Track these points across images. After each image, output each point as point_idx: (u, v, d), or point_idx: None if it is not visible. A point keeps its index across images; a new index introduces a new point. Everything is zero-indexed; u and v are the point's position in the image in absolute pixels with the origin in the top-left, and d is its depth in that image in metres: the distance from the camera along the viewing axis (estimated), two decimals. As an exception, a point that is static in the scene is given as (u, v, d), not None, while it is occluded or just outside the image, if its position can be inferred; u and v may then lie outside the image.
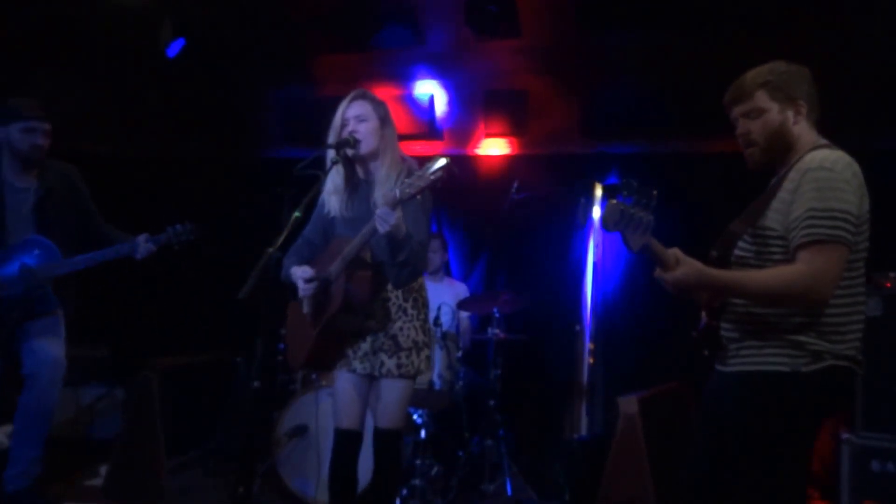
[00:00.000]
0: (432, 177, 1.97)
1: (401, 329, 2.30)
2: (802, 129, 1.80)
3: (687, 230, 3.03)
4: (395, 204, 2.04)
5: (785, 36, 3.56)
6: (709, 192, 4.06)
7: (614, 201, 1.59)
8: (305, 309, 2.33)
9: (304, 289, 2.27)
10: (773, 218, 1.74)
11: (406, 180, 2.03)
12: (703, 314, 1.94)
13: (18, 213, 2.71)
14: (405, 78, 4.55)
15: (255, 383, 2.54)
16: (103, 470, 3.48)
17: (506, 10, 3.82)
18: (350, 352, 2.33)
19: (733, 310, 1.81)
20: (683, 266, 1.65)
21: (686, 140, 4.36)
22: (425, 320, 2.39)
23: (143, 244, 2.79)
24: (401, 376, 2.28)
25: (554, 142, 4.65)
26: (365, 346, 2.31)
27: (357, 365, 2.31)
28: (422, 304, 2.39)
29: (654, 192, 1.61)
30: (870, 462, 2.87)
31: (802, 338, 1.69)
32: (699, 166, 4.30)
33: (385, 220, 2.05)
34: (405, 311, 2.32)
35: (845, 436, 2.93)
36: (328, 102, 2.45)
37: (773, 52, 1.91)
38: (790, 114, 1.78)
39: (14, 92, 2.97)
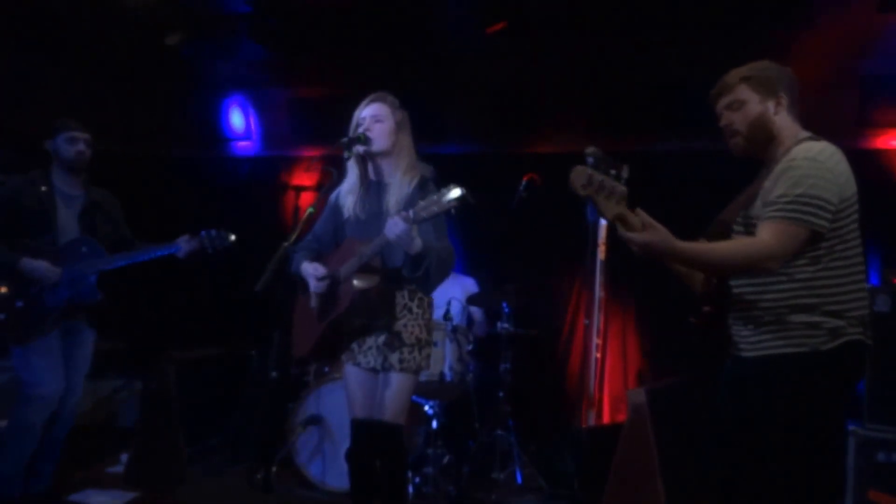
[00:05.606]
0: (447, 206, 2.03)
1: (405, 326, 2.35)
2: (784, 121, 1.87)
3: (679, 228, 3.05)
4: (407, 222, 2.09)
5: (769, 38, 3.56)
6: (700, 190, 4.07)
7: (580, 166, 1.62)
8: (312, 303, 2.39)
9: (315, 286, 2.32)
10: (759, 206, 1.80)
11: (421, 202, 2.08)
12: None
13: (68, 217, 2.95)
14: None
15: (273, 374, 2.59)
16: (124, 457, 3.59)
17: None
18: (355, 345, 2.39)
19: (742, 300, 1.84)
20: (652, 230, 1.67)
21: (679, 139, 4.37)
22: (429, 319, 2.43)
23: (186, 243, 2.95)
24: (402, 370, 2.32)
25: (563, 141, 4.68)
26: (370, 340, 2.36)
27: (361, 359, 2.37)
28: (427, 303, 2.42)
29: (625, 166, 1.64)
30: (876, 453, 2.92)
31: (816, 318, 1.74)
32: (691, 164, 4.29)
33: (394, 228, 2.09)
34: (410, 310, 2.37)
35: (852, 427, 2.98)
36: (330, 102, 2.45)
37: (758, 53, 1.97)
38: (770, 105, 1.86)
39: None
